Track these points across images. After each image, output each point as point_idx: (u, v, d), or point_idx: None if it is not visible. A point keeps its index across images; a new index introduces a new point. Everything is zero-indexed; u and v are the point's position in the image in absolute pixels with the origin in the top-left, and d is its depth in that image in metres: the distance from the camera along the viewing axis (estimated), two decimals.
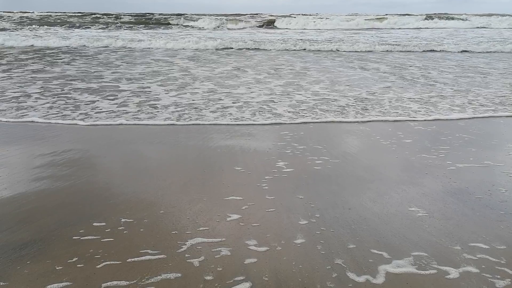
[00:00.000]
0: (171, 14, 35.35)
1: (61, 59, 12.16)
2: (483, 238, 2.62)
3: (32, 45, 15.85)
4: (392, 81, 8.77)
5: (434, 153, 4.28)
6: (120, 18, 32.42)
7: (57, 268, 2.27)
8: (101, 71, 9.77)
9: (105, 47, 15.75)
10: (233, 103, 6.62)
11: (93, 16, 33.65)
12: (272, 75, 9.55)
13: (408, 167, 3.90)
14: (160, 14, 35.47)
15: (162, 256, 2.40)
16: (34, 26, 25.02)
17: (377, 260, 2.37)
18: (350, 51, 15.22)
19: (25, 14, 34.67)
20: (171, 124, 5.41)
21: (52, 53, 13.69)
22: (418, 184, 3.48)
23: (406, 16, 35.64)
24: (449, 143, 4.62)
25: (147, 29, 26.22)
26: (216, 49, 15.47)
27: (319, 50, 15.40)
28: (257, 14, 37.39)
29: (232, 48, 15.84)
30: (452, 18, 35.12)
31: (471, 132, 5.09)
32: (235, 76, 9.36)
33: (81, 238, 2.58)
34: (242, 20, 31.62)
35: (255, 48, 15.79)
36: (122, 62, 11.57)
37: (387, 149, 4.46)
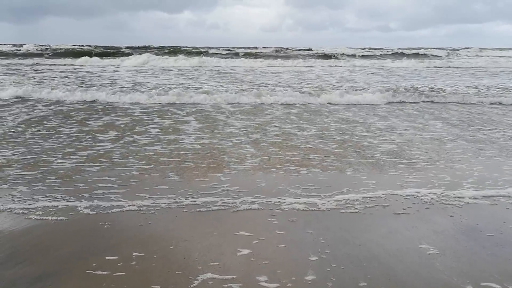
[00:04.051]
0: None
1: None
2: (495, 277, 2.61)
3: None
4: None
5: (441, 187, 4.29)
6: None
7: None
8: None
9: None
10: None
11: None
12: None
13: (417, 203, 3.90)
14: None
15: None
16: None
17: None
18: None
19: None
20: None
21: None
22: (428, 220, 3.48)
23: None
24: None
25: None
26: None
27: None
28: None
29: None
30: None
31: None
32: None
33: (94, 272, 2.61)
34: None
35: None
36: None
37: (395, 184, 4.48)
